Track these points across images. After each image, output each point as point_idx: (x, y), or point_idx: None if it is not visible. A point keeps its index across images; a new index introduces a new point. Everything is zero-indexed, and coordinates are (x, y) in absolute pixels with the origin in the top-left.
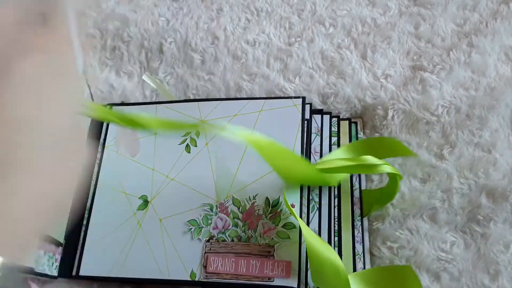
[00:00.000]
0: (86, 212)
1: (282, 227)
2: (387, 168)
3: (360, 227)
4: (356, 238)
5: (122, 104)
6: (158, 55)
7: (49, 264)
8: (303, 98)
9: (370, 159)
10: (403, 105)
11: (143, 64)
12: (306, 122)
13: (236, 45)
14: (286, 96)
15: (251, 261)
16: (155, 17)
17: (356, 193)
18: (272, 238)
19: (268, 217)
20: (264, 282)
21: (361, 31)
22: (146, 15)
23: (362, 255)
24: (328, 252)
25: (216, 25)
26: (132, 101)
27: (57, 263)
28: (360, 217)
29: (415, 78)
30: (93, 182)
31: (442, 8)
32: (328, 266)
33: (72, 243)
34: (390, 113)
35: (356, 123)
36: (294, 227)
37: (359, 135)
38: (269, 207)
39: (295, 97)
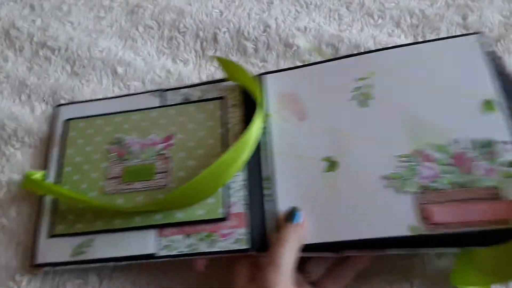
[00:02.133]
0: (265, 182)
1: (502, 166)
2: None
3: None
4: None
5: (266, 73)
6: (212, 44)
7: (208, 241)
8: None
9: None
10: None
11: (199, 52)
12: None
13: (287, 32)
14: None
15: (478, 206)
16: (209, 9)
17: None
18: (495, 179)
19: (482, 158)
20: (501, 226)
21: (410, 22)
22: (200, 7)
23: None
24: None
25: (267, 15)
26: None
27: (226, 238)
28: None
29: None
30: (264, 152)
31: (488, 0)
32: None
33: (258, 215)
34: None
35: None
36: None
37: None
38: (479, 147)
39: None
